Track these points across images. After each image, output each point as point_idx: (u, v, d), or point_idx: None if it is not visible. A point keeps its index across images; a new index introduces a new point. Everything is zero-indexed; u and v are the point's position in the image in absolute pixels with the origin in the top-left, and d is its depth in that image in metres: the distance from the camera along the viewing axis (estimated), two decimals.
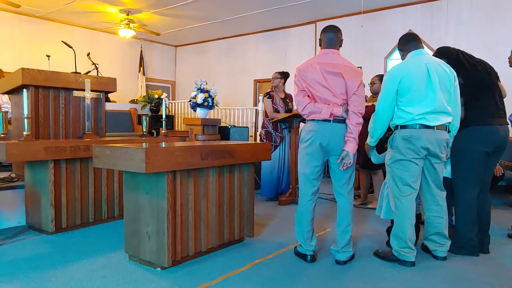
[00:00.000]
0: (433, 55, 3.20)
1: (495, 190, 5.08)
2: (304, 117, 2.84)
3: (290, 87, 6.06)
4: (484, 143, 3.01)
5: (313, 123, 2.78)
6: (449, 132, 2.89)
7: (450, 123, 2.85)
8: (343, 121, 2.77)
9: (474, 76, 3.06)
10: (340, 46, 2.90)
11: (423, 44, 2.99)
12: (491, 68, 3.16)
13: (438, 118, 2.76)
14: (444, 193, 2.95)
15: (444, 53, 3.17)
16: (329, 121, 2.74)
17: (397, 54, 7.10)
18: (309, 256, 2.86)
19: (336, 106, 2.74)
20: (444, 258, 2.92)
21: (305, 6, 7.29)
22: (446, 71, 2.80)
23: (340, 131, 2.75)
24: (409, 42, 2.93)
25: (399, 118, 2.83)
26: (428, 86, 2.73)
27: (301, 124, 4.57)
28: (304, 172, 2.85)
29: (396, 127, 2.87)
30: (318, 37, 2.98)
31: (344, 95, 2.76)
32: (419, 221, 3.17)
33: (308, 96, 2.80)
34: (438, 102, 2.73)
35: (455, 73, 2.86)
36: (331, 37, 2.85)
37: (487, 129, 3.01)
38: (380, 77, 4.61)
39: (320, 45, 2.92)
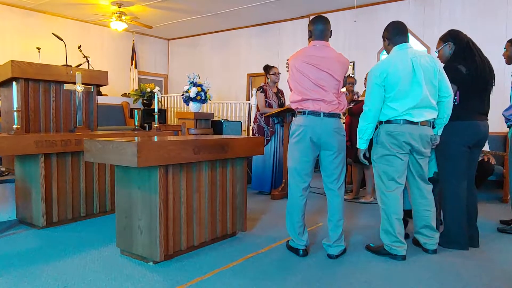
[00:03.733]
0: (442, 36, 3.18)
1: (484, 185, 5.13)
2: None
3: (282, 84, 6.04)
4: (466, 137, 3.05)
5: (303, 117, 2.78)
6: (433, 128, 2.90)
7: (434, 119, 2.86)
8: (333, 115, 2.78)
9: (478, 69, 3.04)
10: (330, 36, 2.90)
11: (408, 37, 2.93)
12: (493, 70, 3.16)
13: (422, 114, 2.76)
14: (430, 186, 2.98)
15: (454, 36, 3.13)
16: (319, 114, 2.75)
17: None
18: (301, 250, 2.87)
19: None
20: (434, 251, 2.94)
21: (298, 0, 7.26)
22: (431, 64, 2.79)
23: (330, 125, 2.76)
24: (396, 35, 2.88)
25: (384, 115, 2.83)
26: (413, 81, 2.72)
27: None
28: (295, 168, 2.83)
29: (381, 122, 2.87)
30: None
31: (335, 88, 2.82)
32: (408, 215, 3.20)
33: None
34: (423, 96, 2.73)
35: (439, 64, 2.86)
36: (322, 29, 2.84)
37: (468, 124, 3.05)
38: None
39: (309, 36, 2.90)
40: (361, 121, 2.86)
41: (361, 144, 2.90)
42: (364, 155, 2.94)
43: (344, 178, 2.92)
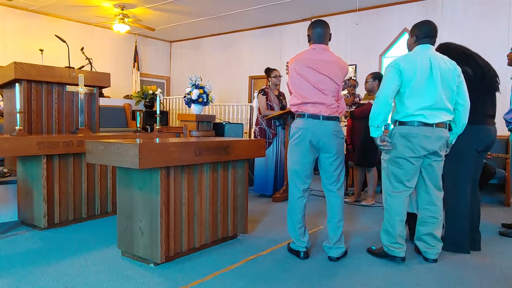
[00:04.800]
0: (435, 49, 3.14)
1: (487, 188, 5.13)
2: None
3: (283, 86, 6.07)
4: (476, 141, 3.03)
5: (302, 120, 2.79)
6: (450, 130, 2.84)
7: (450, 121, 2.80)
8: (333, 118, 2.79)
9: (484, 69, 3.04)
10: (329, 40, 2.91)
11: (435, 40, 2.88)
12: (495, 71, 3.16)
13: (437, 115, 2.70)
14: (442, 194, 2.89)
15: (446, 49, 3.09)
16: (318, 117, 2.75)
17: (392, 51, 7.11)
18: (302, 253, 2.87)
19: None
20: (435, 261, 2.85)
21: (301, 3, 7.28)
22: (450, 68, 2.73)
23: (329, 128, 2.77)
24: (426, 36, 2.80)
25: (397, 112, 2.79)
26: (429, 81, 2.67)
27: None
28: (295, 169, 2.84)
29: (395, 122, 2.83)
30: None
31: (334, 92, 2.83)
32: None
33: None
34: (438, 98, 2.67)
35: (459, 70, 2.80)
36: (321, 32, 2.86)
37: (480, 129, 3.03)
38: (374, 75, 4.62)
39: (309, 40, 2.92)
40: (373, 106, 2.74)
41: (373, 132, 2.77)
42: (382, 140, 2.79)
43: (343, 180, 2.92)
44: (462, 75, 2.81)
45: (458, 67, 2.81)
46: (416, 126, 2.71)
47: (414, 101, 2.70)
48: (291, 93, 2.90)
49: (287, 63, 3.00)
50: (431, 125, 2.70)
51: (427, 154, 2.76)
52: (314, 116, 2.75)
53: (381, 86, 2.79)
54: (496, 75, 3.14)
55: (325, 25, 2.88)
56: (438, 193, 2.88)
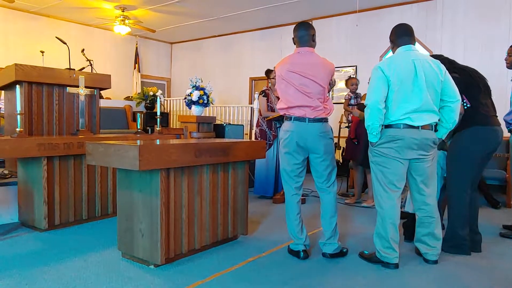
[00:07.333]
0: None
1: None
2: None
3: None
4: (487, 144, 3.02)
5: (290, 123, 2.86)
6: (436, 131, 2.83)
7: (436, 122, 2.79)
8: (319, 120, 2.83)
9: (469, 71, 3.08)
10: (314, 41, 2.93)
11: (415, 40, 2.87)
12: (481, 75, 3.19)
13: (423, 118, 2.68)
14: (433, 191, 2.87)
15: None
16: (304, 120, 2.80)
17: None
18: (301, 252, 2.89)
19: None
20: (435, 262, 2.84)
21: (301, 4, 7.28)
22: (434, 68, 2.71)
23: (315, 130, 2.81)
24: (401, 36, 2.82)
25: (384, 118, 2.75)
26: (414, 84, 2.65)
27: None
28: (286, 170, 2.94)
29: (381, 126, 2.79)
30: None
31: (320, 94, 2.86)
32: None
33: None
34: (424, 101, 2.66)
35: (444, 68, 2.77)
36: (302, 35, 2.88)
37: (489, 130, 3.02)
38: None
39: (294, 43, 2.97)
40: (366, 116, 2.74)
41: (372, 138, 2.78)
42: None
43: (335, 178, 2.97)
44: (447, 73, 2.79)
45: (443, 65, 2.79)
46: (402, 128, 2.70)
47: (401, 106, 2.68)
48: (279, 97, 2.95)
49: (274, 67, 3.04)
50: (416, 127, 2.69)
51: (413, 156, 2.73)
52: (300, 119, 2.82)
53: (368, 92, 2.75)
54: (484, 77, 3.15)
55: (307, 27, 2.89)
56: (428, 190, 2.85)
